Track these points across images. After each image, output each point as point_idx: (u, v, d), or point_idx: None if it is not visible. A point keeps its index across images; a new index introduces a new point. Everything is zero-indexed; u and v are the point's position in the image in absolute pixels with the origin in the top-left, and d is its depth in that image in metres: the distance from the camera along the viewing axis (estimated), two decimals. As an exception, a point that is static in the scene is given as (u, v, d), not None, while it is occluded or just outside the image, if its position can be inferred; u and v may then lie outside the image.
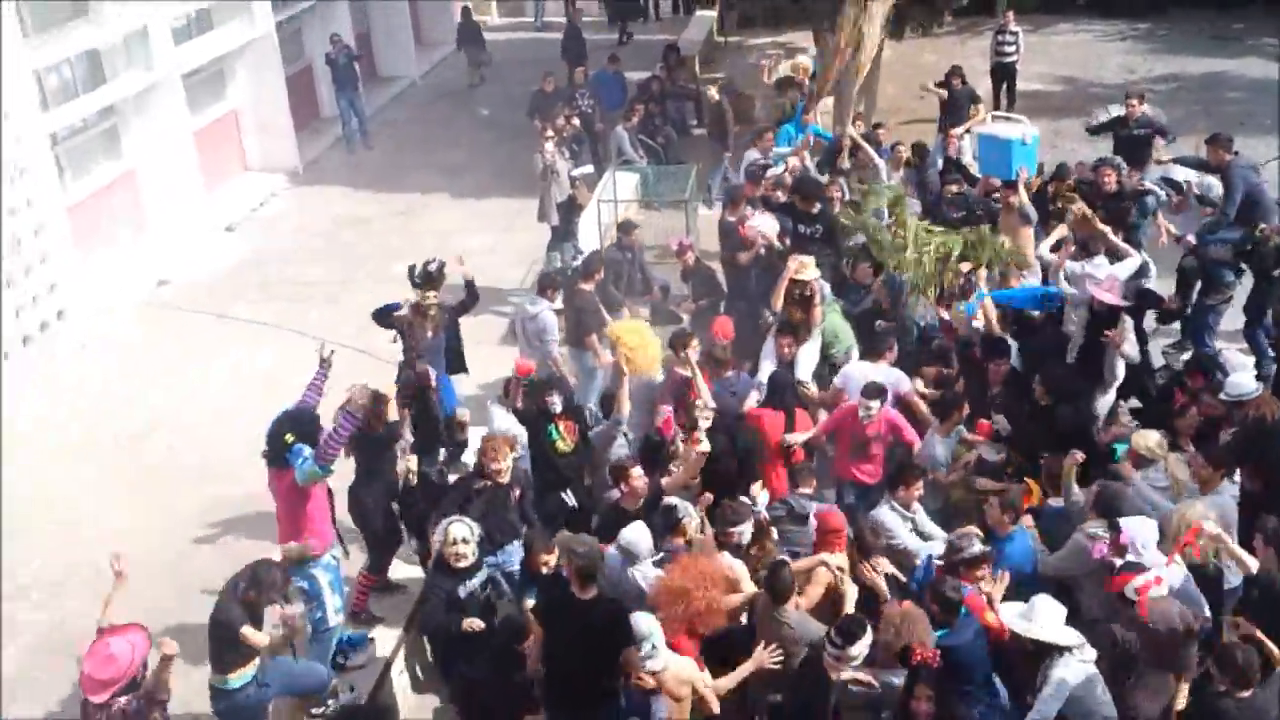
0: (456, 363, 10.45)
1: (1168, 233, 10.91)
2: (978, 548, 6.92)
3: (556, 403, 8.79)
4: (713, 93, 16.78)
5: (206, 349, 13.34)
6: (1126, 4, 24.33)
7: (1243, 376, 8.46)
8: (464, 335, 10.65)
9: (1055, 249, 10.40)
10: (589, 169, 16.11)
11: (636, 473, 7.89)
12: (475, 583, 7.28)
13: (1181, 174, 11.92)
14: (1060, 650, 6.24)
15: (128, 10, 14.76)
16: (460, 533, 7.16)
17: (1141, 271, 10.42)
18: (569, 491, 8.86)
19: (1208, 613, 6.80)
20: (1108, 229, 10.43)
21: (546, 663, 6.88)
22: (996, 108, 18.58)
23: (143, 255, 15.27)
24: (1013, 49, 18.90)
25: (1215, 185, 11.65)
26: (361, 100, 19.57)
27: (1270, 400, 8.35)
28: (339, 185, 18.20)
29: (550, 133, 14.29)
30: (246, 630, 6.74)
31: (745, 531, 7.36)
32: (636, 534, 7.19)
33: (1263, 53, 21.73)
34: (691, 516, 7.65)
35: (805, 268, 10.00)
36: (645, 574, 7.06)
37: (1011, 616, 6.44)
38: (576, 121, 16.30)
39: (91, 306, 13.84)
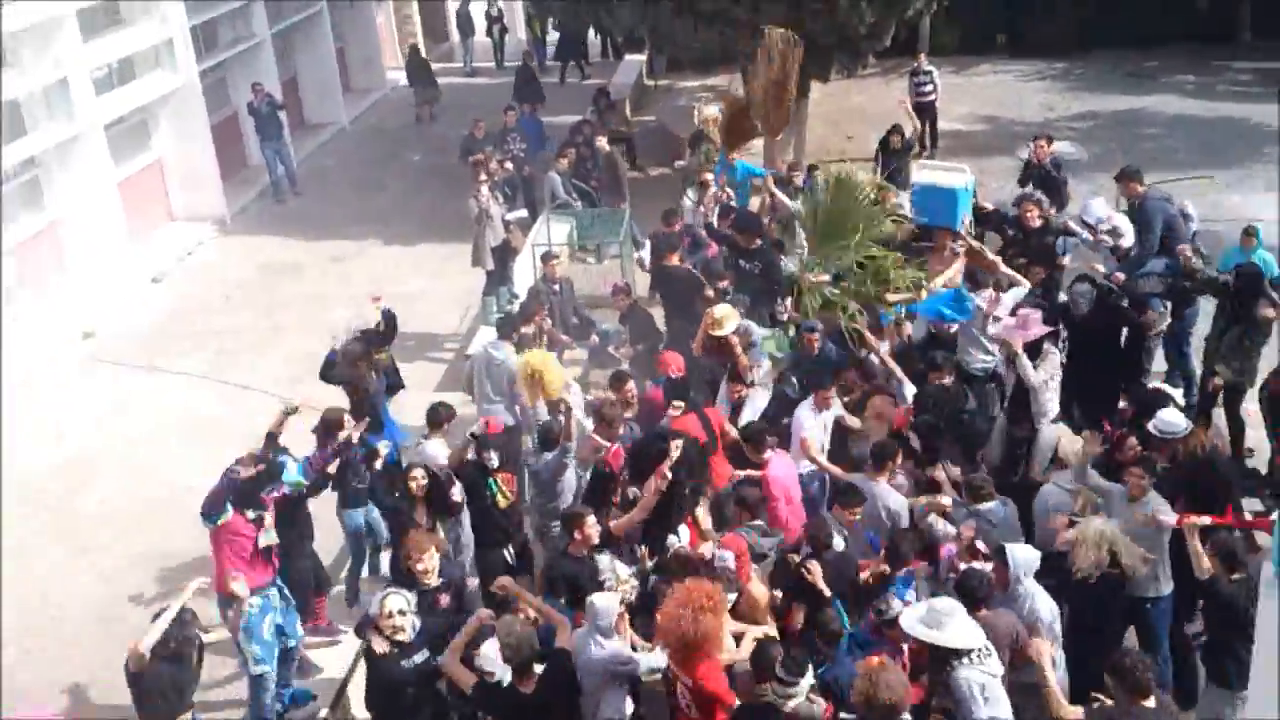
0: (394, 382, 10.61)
1: (1095, 271, 11.05)
2: (897, 608, 6.89)
3: (493, 458, 8.63)
4: (602, 143, 16.39)
5: (135, 400, 13.07)
6: (1044, 44, 24.95)
7: (1172, 414, 8.60)
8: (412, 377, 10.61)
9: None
10: (523, 213, 16.10)
11: (591, 522, 7.67)
12: (417, 659, 6.95)
13: (1096, 213, 12.17)
14: (959, 655, 6.25)
15: (45, 60, 14.54)
16: (396, 604, 6.88)
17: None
18: (509, 548, 8.78)
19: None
20: (997, 260, 10.71)
21: None
22: (921, 147, 18.88)
23: (68, 307, 14.92)
24: (929, 88, 19.26)
25: (1123, 225, 11.86)
26: (288, 148, 19.41)
27: (1198, 433, 8.54)
28: (268, 234, 17.98)
29: (483, 176, 14.24)
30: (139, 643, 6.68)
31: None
32: (605, 603, 6.80)
33: (1177, 89, 22.40)
34: (620, 578, 7.47)
35: (719, 324, 10.02)
36: (603, 645, 6.69)
37: (912, 622, 6.44)
38: (509, 165, 16.26)
39: (16, 361, 13.48)
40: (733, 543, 7.59)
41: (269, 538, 7.84)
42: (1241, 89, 22.33)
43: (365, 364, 10.07)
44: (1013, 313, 9.85)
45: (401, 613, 6.84)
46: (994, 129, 20.89)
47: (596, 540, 7.67)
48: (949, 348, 10.30)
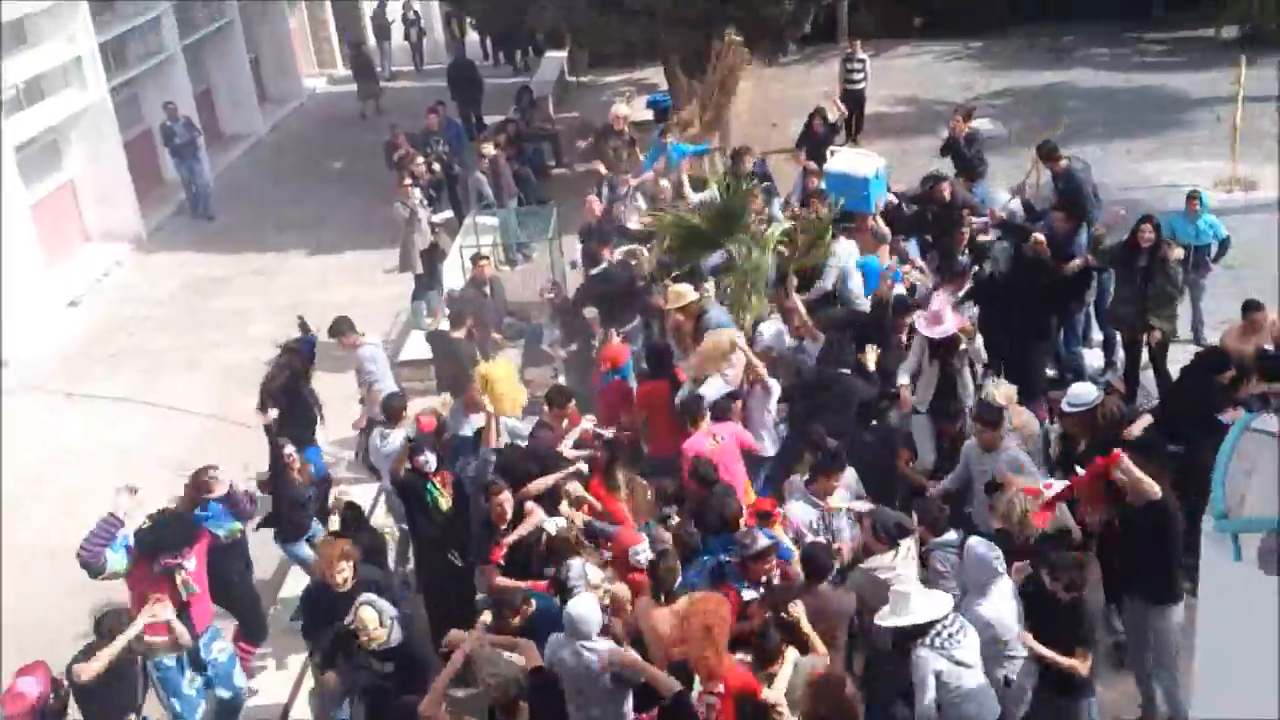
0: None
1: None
2: (762, 542, 7.02)
3: (430, 461, 8.36)
4: (488, 148, 16.07)
5: (58, 428, 12.66)
6: (961, 24, 25.12)
7: (1081, 386, 8.61)
8: (328, 390, 10.36)
9: None
10: (449, 214, 15.87)
11: (505, 494, 7.74)
12: (379, 665, 6.85)
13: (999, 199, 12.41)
14: (923, 633, 6.26)
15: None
16: (371, 618, 6.76)
17: None
18: (455, 552, 8.49)
19: None
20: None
21: None
22: (848, 133, 18.92)
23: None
24: (860, 75, 19.27)
25: (1019, 210, 12.02)
26: (204, 167, 18.78)
27: (1110, 400, 8.59)
28: (188, 250, 17.59)
29: (410, 180, 13.99)
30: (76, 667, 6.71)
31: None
32: (585, 608, 6.60)
33: (1093, 63, 22.67)
34: (593, 583, 7.30)
35: (675, 296, 9.95)
36: (596, 649, 6.48)
37: (886, 618, 6.42)
38: (437, 167, 16.05)
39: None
40: (629, 537, 7.49)
41: (189, 590, 7.48)
42: (1155, 60, 22.69)
43: (304, 374, 9.87)
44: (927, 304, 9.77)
45: (375, 626, 6.74)
46: (916, 110, 20.98)
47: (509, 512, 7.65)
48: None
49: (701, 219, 11.24)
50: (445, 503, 8.40)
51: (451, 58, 23.69)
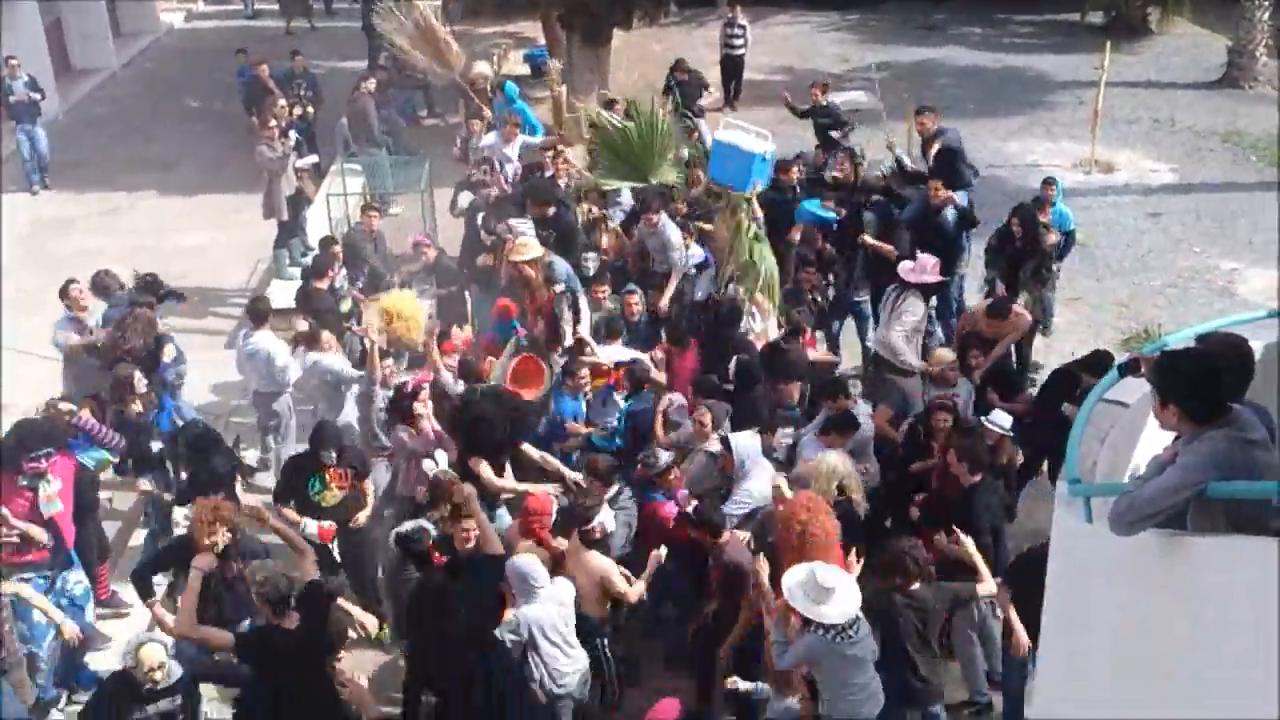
0: None
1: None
2: (665, 459, 7.64)
3: (331, 455, 7.98)
4: (366, 85, 15.50)
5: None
6: (838, -4, 25.33)
7: (1001, 415, 8.44)
8: (188, 341, 9.91)
9: None
10: (314, 159, 15.29)
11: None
12: (166, 705, 6.38)
13: None
14: (811, 625, 6.14)
15: None
16: (155, 656, 6.24)
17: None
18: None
19: None
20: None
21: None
22: (726, 98, 18.91)
23: None
24: (740, 41, 19.23)
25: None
26: (40, 134, 16.69)
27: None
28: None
29: (274, 122, 13.41)
30: None
31: (606, 521, 7.20)
32: (528, 563, 6.77)
33: (965, 41, 23.08)
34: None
35: (518, 250, 9.78)
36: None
37: (792, 587, 6.18)
38: (310, 110, 15.52)
39: None
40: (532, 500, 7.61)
41: (52, 507, 7.34)
42: (1022, 40, 23.18)
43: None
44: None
45: (161, 665, 6.27)
46: (792, 79, 20.92)
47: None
48: None
49: (631, 143, 11.03)
50: (331, 497, 8.01)
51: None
